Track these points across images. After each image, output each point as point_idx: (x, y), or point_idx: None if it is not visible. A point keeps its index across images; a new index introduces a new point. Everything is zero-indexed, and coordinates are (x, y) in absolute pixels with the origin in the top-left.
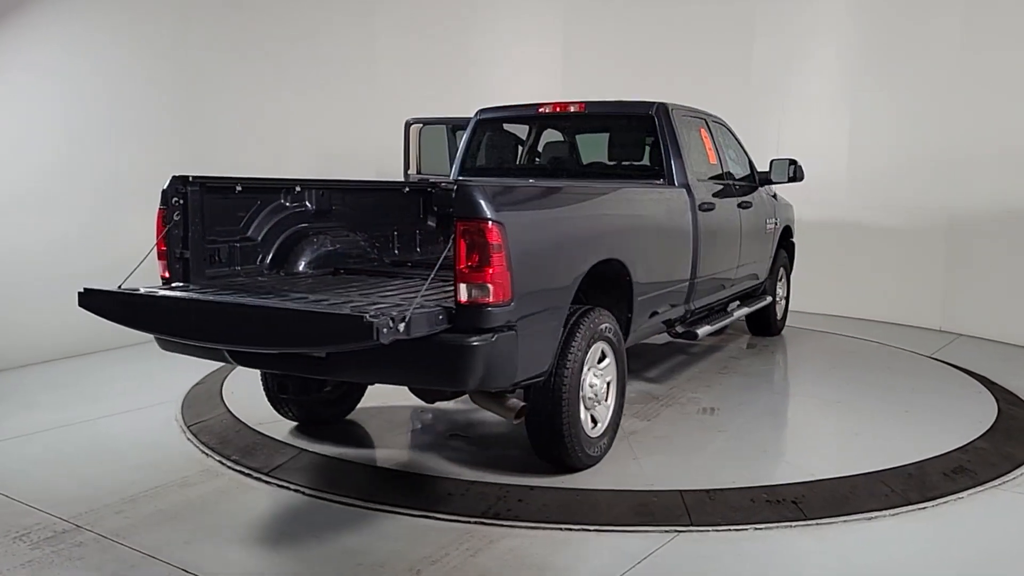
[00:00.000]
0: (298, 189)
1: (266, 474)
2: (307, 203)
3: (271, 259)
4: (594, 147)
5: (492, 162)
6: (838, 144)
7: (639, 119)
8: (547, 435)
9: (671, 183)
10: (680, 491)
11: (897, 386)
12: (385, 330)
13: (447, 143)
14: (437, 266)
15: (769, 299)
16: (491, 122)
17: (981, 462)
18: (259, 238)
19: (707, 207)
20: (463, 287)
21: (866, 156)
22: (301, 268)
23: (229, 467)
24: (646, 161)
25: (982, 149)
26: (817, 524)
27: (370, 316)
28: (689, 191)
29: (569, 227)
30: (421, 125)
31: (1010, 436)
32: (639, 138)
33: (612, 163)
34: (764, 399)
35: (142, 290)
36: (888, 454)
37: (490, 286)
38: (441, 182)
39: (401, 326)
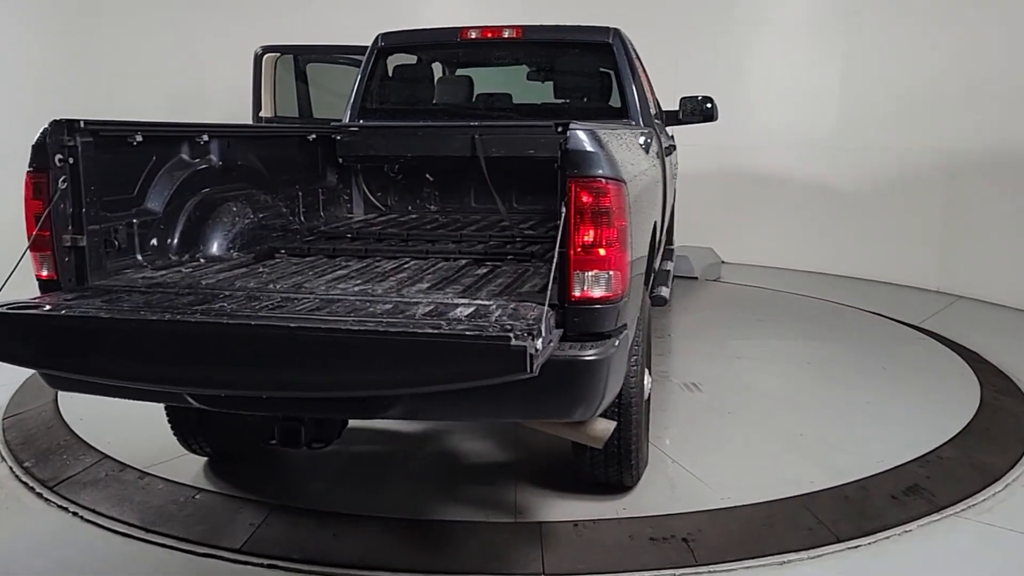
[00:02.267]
0: (205, 139)
1: (51, 488)
2: (212, 157)
3: (179, 239)
4: (535, 82)
5: (400, 102)
6: (828, 79)
7: (593, 48)
8: (615, 450)
9: (637, 124)
10: (539, 523)
11: (866, 368)
12: (532, 352)
13: (294, 78)
14: (558, 245)
15: (674, 250)
16: (397, 51)
17: (944, 477)
18: (161, 210)
19: (668, 150)
20: (577, 277)
21: (859, 93)
22: (219, 250)
23: (17, 476)
24: (602, 98)
25: (989, 85)
26: (709, 572)
27: (516, 338)
28: (656, 133)
29: (652, 184)
30: (277, 55)
31: (988, 438)
32: (593, 71)
33: (560, 102)
34: (737, 371)
35: (48, 307)
36: (829, 466)
37: (612, 274)
38: (345, 125)
39: (539, 344)
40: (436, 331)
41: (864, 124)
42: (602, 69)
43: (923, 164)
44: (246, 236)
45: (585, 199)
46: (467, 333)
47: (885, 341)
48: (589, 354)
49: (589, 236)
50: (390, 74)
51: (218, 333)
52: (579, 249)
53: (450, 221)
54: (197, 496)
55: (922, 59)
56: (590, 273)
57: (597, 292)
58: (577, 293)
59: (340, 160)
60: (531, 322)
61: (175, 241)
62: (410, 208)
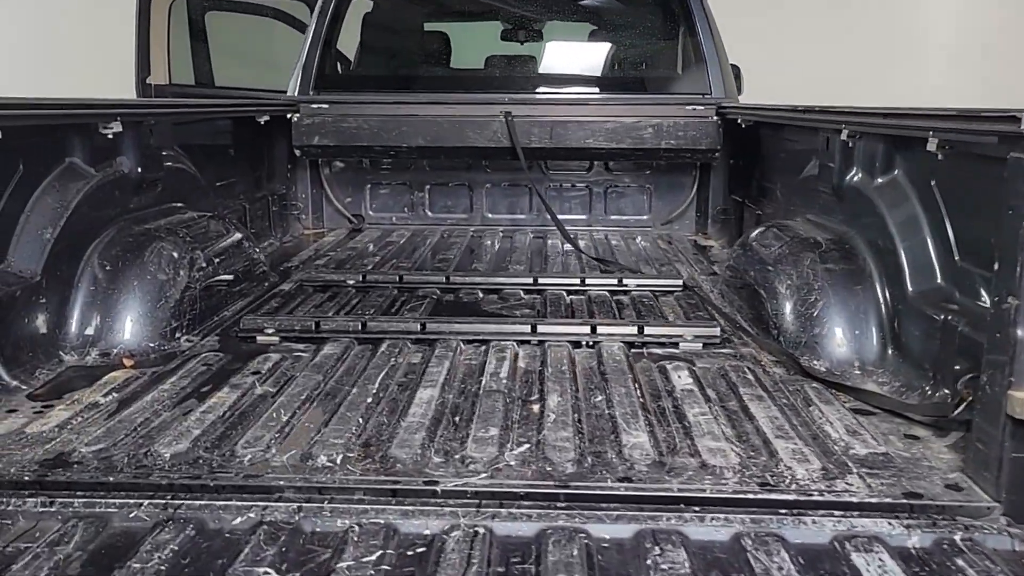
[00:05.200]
0: (115, 128)
1: None
2: (123, 160)
3: (76, 321)
4: (571, 47)
5: (375, 67)
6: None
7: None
8: None
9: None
10: None
11: None
12: None
13: (189, 34)
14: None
15: None
16: None
17: None
18: (37, 270)
19: None
20: None
21: None
22: (153, 335)
23: None
24: (667, 65)
25: None
26: None
27: None
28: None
29: None
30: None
31: None
32: (656, 31)
33: (608, 70)
34: None
35: None
36: None
37: None
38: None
39: None
40: None
41: None
42: (669, 28)
43: None
44: (197, 303)
45: None
46: None
47: None
48: None
49: None
50: (360, 26)
51: None
52: None
53: (471, 243)
54: None
55: None
56: None
57: None
58: None
59: (297, 152)
60: None
61: (70, 328)
62: (394, 220)
